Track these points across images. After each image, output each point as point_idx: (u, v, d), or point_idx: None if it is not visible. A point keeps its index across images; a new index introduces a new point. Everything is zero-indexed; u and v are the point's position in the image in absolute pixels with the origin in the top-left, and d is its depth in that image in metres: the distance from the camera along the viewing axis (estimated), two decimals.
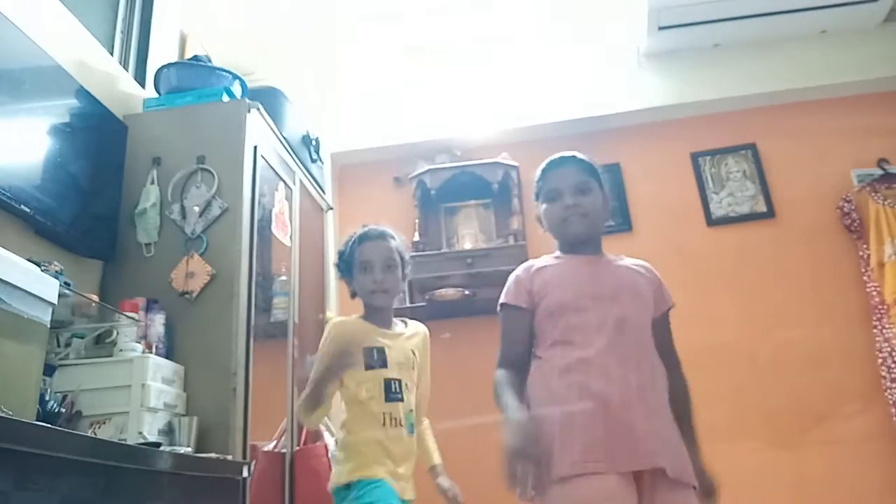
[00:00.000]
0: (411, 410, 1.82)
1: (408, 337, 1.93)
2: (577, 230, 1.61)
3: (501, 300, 1.64)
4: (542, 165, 1.69)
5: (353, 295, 1.96)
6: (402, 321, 1.99)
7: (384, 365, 1.81)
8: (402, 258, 1.93)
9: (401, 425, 1.78)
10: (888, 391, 2.80)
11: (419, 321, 2.04)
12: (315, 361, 1.81)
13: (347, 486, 1.71)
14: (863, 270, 3.00)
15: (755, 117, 3.37)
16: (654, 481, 1.38)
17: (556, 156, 1.68)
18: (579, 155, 1.67)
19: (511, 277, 1.66)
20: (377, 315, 1.91)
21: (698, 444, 1.56)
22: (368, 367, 1.79)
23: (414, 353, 1.89)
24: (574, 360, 1.48)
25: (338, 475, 1.76)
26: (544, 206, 1.66)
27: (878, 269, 2.92)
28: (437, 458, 1.95)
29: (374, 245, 1.90)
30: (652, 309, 1.60)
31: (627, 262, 1.67)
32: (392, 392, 1.79)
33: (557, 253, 1.68)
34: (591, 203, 1.62)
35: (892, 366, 2.80)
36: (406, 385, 1.82)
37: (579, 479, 1.35)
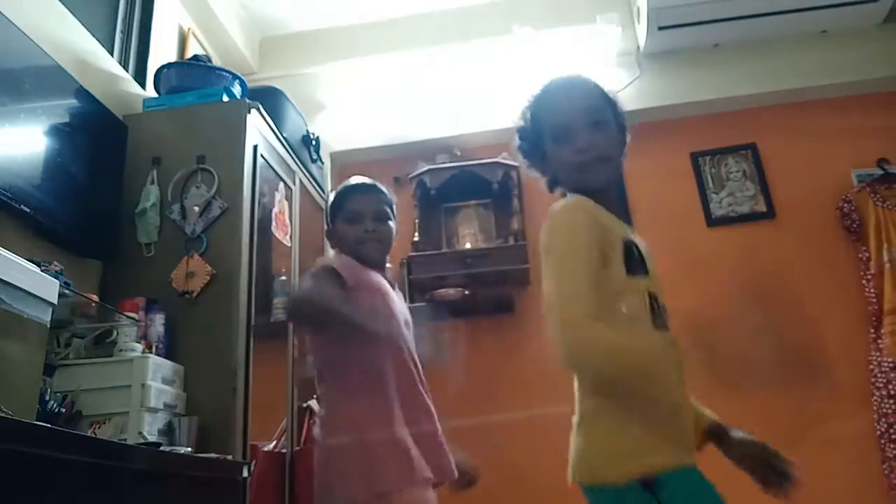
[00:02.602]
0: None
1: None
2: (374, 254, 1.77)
3: None
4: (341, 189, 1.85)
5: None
6: None
7: (646, 272, 1.21)
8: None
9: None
10: (873, 397, 2.81)
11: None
12: (560, 265, 1.12)
13: (625, 487, 1.05)
14: (862, 273, 3.00)
15: (755, 117, 3.36)
16: None
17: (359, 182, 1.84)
18: (380, 184, 1.84)
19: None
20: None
21: None
22: (630, 270, 1.17)
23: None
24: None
25: (601, 465, 1.10)
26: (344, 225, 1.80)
27: (878, 276, 2.91)
28: None
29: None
30: None
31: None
32: (658, 316, 1.18)
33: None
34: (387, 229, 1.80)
35: (879, 375, 2.80)
36: (664, 307, 1.22)
37: None
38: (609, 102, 1.31)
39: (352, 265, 1.71)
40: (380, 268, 1.80)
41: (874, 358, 2.84)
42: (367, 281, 1.71)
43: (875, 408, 2.80)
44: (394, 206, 1.84)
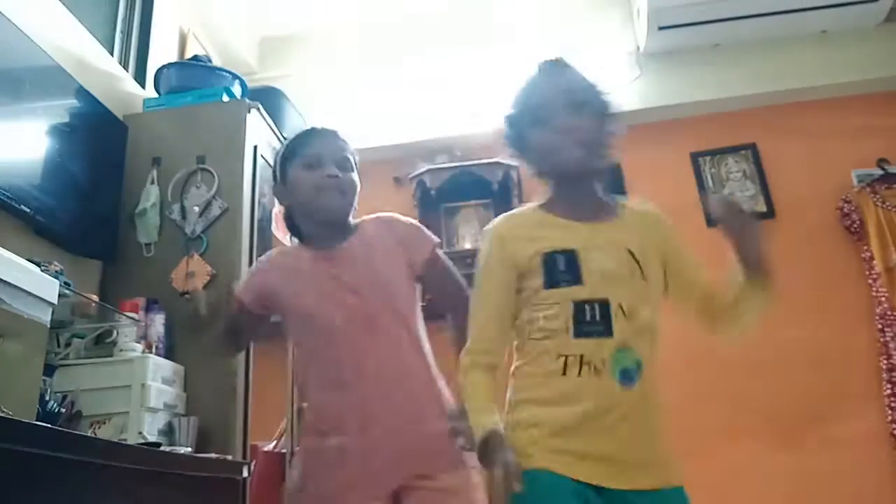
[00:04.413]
0: (628, 348, 1.11)
1: (624, 222, 1.22)
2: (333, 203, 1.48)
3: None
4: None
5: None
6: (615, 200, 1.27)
7: (576, 279, 1.13)
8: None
9: (599, 371, 1.09)
10: (889, 399, 2.79)
11: None
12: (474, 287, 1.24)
13: None
14: (867, 273, 2.98)
15: (755, 117, 3.36)
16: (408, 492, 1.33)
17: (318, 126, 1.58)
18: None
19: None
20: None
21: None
22: (550, 283, 1.14)
23: (634, 255, 1.16)
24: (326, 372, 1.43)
25: None
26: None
27: (886, 274, 2.89)
28: None
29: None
30: (408, 271, 1.54)
31: (371, 228, 1.54)
32: (586, 322, 1.11)
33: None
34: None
35: None
36: (623, 308, 1.12)
37: None
38: (594, 88, 1.24)
39: (260, 269, 1.54)
40: (339, 226, 1.48)
41: (893, 356, 2.82)
42: (285, 273, 1.48)
43: (890, 410, 2.77)
44: (356, 160, 1.54)
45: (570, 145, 1.16)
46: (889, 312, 2.85)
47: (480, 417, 1.11)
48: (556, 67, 1.26)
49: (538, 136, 1.20)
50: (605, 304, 1.11)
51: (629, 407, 1.09)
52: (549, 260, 1.14)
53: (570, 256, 1.14)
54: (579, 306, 1.11)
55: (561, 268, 1.14)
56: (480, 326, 1.21)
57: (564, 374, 1.10)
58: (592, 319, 1.11)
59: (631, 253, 1.16)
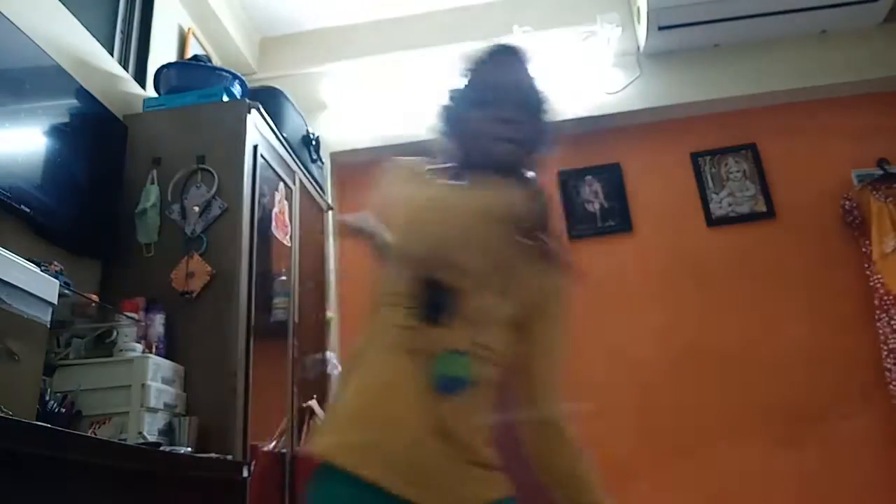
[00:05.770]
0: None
1: None
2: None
3: None
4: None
5: None
6: None
7: None
8: None
9: None
10: (893, 384, 2.79)
11: None
12: None
13: None
14: (865, 266, 2.99)
15: (755, 117, 3.36)
16: None
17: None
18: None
19: None
20: None
21: None
22: None
23: None
24: None
25: None
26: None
27: (881, 260, 2.91)
28: None
29: None
30: None
31: None
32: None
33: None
34: None
35: None
36: None
37: None
38: (542, 92, 1.27)
39: None
40: None
41: (890, 340, 2.82)
42: None
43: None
44: None
45: (505, 137, 1.14)
46: (886, 297, 2.86)
47: None
48: (515, 56, 1.22)
49: (478, 117, 1.16)
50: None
51: None
52: None
53: None
54: None
55: None
56: None
57: None
58: None
59: None
